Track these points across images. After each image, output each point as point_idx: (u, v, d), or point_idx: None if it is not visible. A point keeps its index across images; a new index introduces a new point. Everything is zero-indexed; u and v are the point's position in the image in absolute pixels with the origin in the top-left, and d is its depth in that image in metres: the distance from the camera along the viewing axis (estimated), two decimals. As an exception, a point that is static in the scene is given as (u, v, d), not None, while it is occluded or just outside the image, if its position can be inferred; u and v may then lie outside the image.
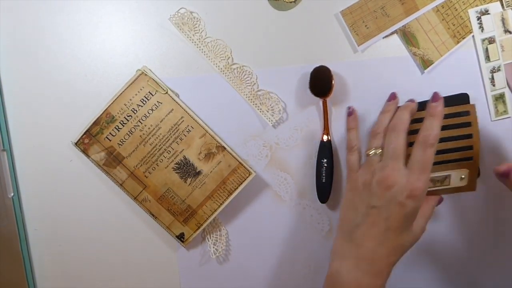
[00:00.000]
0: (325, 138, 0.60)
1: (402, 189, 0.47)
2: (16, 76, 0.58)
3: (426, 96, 0.61)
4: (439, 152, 0.55)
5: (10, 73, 0.58)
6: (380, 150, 0.52)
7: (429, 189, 0.55)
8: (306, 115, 0.62)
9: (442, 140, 0.54)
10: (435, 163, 0.53)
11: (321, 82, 0.60)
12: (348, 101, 0.62)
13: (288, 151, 0.62)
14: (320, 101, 0.61)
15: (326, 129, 0.61)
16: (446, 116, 0.54)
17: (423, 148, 0.49)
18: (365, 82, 0.62)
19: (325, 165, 0.60)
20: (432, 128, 0.50)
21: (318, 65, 0.60)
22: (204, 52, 0.60)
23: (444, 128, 0.53)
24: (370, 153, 0.53)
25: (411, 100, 0.57)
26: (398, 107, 0.58)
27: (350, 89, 0.62)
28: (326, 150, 0.60)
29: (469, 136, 0.57)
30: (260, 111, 0.60)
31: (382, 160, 0.51)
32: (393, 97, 0.58)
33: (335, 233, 0.56)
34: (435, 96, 0.53)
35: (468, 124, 0.57)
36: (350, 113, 0.58)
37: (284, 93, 0.61)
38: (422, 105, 0.60)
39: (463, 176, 0.58)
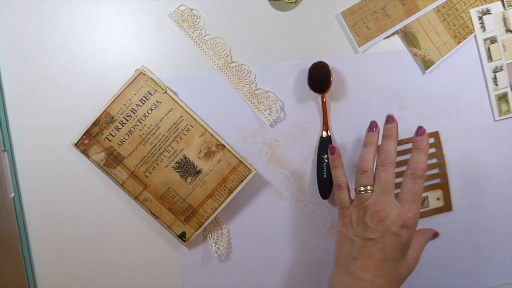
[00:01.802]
0: (324, 134, 0.56)
1: (395, 220, 0.46)
2: (17, 76, 0.54)
3: (428, 97, 0.58)
4: None
5: (11, 74, 0.54)
6: (371, 188, 0.49)
7: None
8: (305, 111, 0.57)
9: None
10: None
11: (319, 78, 0.55)
12: (349, 101, 0.58)
13: (288, 148, 0.58)
14: (319, 97, 0.56)
15: (326, 125, 0.56)
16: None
17: (412, 180, 0.48)
18: (366, 83, 0.58)
19: (326, 161, 0.56)
20: (419, 161, 0.49)
21: (316, 61, 0.55)
22: (203, 49, 0.55)
23: None
24: (360, 190, 0.50)
25: (389, 121, 0.52)
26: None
27: (350, 89, 0.58)
28: (326, 146, 0.56)
29: (437, 159, 0.59)
30: (258, 110, 0.56)
31: (373, 195, 0.49)
32: (373, 126, 0.53)
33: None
34: (420, 130, 0.51)
35: (435, 149, 0.59)
36: (333, 151, 0.53)
37: (283, 90, 0.57)
38: None
39: (438, 197, 0.59)
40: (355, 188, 0.50)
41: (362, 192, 0.49)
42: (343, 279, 0.47)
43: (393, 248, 0.46)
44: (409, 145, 0.57)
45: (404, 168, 0.57)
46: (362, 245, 0.47)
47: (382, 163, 0.49)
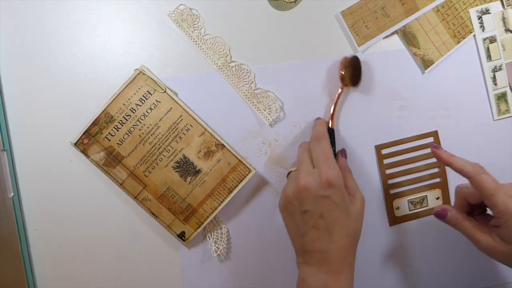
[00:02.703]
0: (332, 125, 0.56)
1: (319, 184, 0.46)
2: (16, 76, 0.53)
3: (427, 97, 0.58)
4: (413, 177, 0.59)
5: (10, 73, 0.53)
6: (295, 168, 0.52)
7: (411, 212, 0.59)
8: (305, 111, 0.56)
9: (414, 166, 0.58)
10: (411, 187, 0.58)
11: (353, 72, 0.55)
12: (348, 101, 0.57)
13: (288, 147, 0.57)
14: (337, 90, 0.56)
15: (334, 118, 0.56)
16: (417, 148, 0.58)
17: (317, 143, 0.50)
18: (365, 83, 0.57)
19: (335, 153, 0.56)
20: (318, 129, 0.52)
21: (351, 55, 0.55)
22: (203, 49, 0.54)
23: (414, 155, 0.58)
24: (289, 172, 0.52)
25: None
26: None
27: (350, 89, 0.57)
28: (333, 138, 0.55)
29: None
30: (257, 110, 0.55)
31: (296, 171, 0.50)
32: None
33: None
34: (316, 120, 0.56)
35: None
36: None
37: (282, 90, 0.56)
38: None
39: (437, 197, 0.59)
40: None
41: (292, 172, 0.51)
42: (301, 256, 0.48)
43: (330, 210, 0.46)
44: (409, 145, 0.58)
45: (404, 167, 0.58)
46: (303, 221, 0.47)
47: (314, 138, 0.51)
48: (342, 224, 0.46)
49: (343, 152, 0.55)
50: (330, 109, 0.56)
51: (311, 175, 0.47)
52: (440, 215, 0.50)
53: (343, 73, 0.55)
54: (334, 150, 0.55)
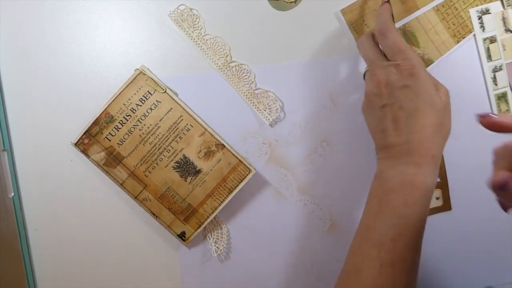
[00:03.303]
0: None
1: (399, 76, 0.44)
2: (16, 76, 0.53)
3: None
4: None
5: (10, 73, 0.53)
6: None
7: None
8: (305, 111, 0.57)
9: None
10: None
11: None
12: (349, 101, 0.57)
13: (288, 147, 0.57)
14: None
15: None
16: None
17: (383, 37, 0.46)
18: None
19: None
20: (381, 21, 0.47)
21: None
22: (203, 49, 0.54)
23: None
24: (364, 73, 0.50)
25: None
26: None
27: (351, 89, 0.57)
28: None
29: None
30: (258, 110, 0.55)
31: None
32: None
33: (336, 229, 0.53)
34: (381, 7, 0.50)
35: None
36: None
37: (283, 90, 0.56)
38: None
39: (438, 197, 0.59)
40: None
41: (366, 72, 0.49)
42: (382, 151, 0.46)
43: (411, 100, 0.43)
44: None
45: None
46: (383, 115, 0.45)
47: (379, 32, 0.47)
48: (424, 113, 0.43)
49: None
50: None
51: (388, 69, 0.45)
52: (502, 185, 0.34)
53: None
54: None
